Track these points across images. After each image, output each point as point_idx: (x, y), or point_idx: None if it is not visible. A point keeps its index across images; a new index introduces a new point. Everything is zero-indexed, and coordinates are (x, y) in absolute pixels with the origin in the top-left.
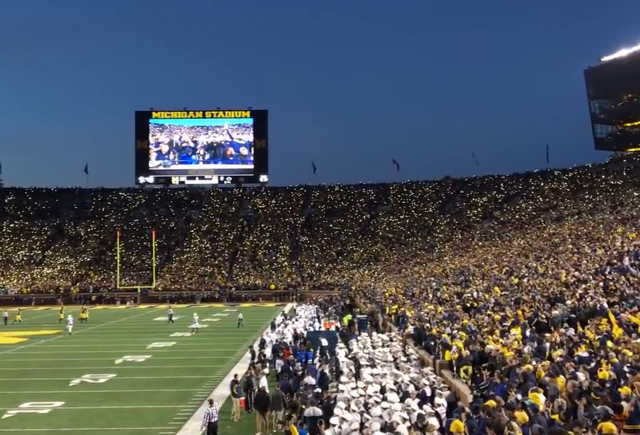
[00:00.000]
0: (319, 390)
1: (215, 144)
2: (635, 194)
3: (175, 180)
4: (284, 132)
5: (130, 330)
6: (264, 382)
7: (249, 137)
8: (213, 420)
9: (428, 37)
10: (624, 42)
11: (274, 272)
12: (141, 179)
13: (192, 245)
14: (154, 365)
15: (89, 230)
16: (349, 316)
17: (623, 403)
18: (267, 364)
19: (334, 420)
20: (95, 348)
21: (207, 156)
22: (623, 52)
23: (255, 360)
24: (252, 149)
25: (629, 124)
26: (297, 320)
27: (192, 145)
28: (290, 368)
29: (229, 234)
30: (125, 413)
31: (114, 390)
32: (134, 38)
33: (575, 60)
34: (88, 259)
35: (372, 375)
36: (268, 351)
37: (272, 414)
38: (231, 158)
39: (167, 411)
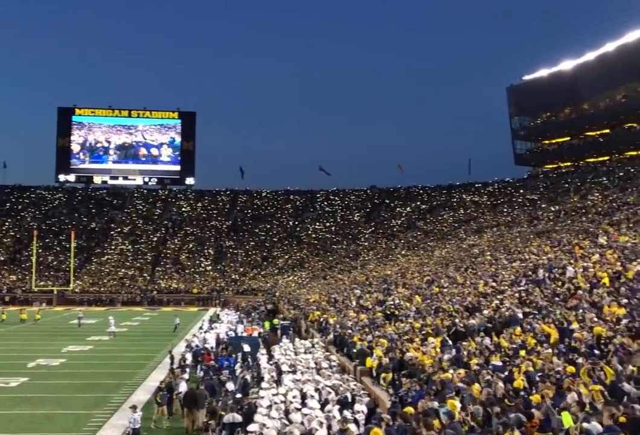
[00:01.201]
0: (239, 396)
1: (131, 144)
2: (551, 208)
3: (97, 179)
4: (213, 135)
5: (44, 333)
6: (183, 387)
7: (176, 138)
8: (137, 426)
9: (358, 47)
10: (545, 63)
11: (197, 276)
12: (61, 177)
13: (113, 247)
14: (68, 369)
15: (4, 228)
16: (275, 321)
17: (534, 411)
18: (187, 369)
19: (252, 427)
20: (7, 350)
21: (119, 156)
22: (543, 72)
23: (175, 365)
24: (179, 150)
25: (547, 141)
26: (219, 325)
27: (106, 144)
28: (211, 373)
29: (152, 237)
30: (37, 418)
31: (25, 394)
32: (57, 35)
33: (500, 77)
34: (2, 258)
35: (293, 381)
36: (189, 356)
37: (198, 413)
38: (144, 158)
39: (81, 417)
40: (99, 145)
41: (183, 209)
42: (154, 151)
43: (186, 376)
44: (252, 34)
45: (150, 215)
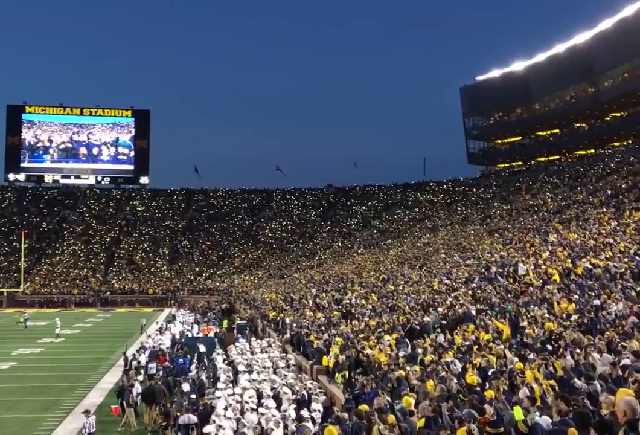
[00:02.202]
0: (194, 396)
1: (81, 142)
2: (503, 207)
3: (48, 178)
4: (168, 134)
5: None
6: (138, 389)
7: (125, 137)
8: (92, 431)
9: (315, 46)
10: (497, 63)
11: (152, 276)
12: (11, 177)
13: (65, 247)
14: (19, 372)
15: None
16: (234, 319)
17: (486, 406)
18: (142, 371)
19: (208, 428)
20: None
21: (67, 155)
22: (495, 73)
23: (128, 367)
24: (133, 149)
25: (499, 141)
26: (175, 326)
27: (47, 144)
28: (166, 374)
29: (106, 237)
30: None
31: None
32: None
33: (454, 77)
34: None
35: (249, 381)
36: (143, 358)
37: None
38: (83, 158)
39: (31, 421)
40: (39, 144)
41: (137, 209)
42: (105, 150)
43: (140, 378)
44: (206, 33)
45: (104, 215)
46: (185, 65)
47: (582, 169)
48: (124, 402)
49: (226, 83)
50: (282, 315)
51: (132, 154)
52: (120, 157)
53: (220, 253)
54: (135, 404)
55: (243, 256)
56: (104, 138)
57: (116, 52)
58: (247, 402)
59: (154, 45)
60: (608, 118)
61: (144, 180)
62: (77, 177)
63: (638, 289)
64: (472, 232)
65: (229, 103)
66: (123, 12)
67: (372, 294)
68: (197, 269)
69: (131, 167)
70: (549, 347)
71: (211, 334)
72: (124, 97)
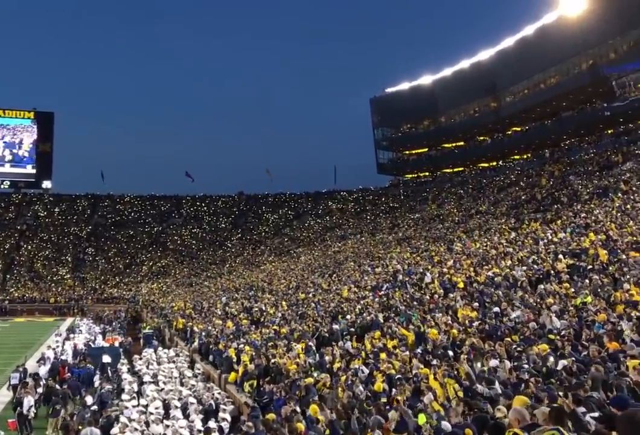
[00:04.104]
0: (96, 408)
1: None
2: (411, 216)
3: None
4: (73, 137)
5: None
6: (30, 401)
7: (31, 140)
8: None
9: (226, 53)
10: (407, 76)
11: (54, 284)
12: None
13: None
14: None
15: None
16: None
17: (391, 412)
18: (42, 383)
19: None
20: None
21: None
22: (405, 85)
23: (27, 379)
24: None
25: (407, 152)
26: (77, 335)
27: None
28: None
29: (4, 243)
30: None
31: None
32: None
33: (366, 88)
34: None
35: (156, 392)
36: (43, 370)
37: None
38: None
39: None
40: None
41: (39, 214)
42: (6, 153)
43: (40, 390)
44: (110, 36)
45: (2, 220)
46: (91, 67)
47: (484, 181)
48: (50, 412)
49: (134, 86)
50: (190, 324)
51: (34, 157)
52: (21, 160)
53: (127, 260)
54: (27, 421)
55: (151, 264)
56: (3, 140)
57: (16, 52)
58: (152, 414)
59: (57, 45)
60: (509, 132)
61: (46, 184)
62: None
63: (535, 296)
64: (381, 240)
65: (137, 106)
66: (24, 10)
67: (283, 302)
68: (102, 277)
69: (33, 171)
70: (450, 353)
71: (116, 344)
72: (26, 99)
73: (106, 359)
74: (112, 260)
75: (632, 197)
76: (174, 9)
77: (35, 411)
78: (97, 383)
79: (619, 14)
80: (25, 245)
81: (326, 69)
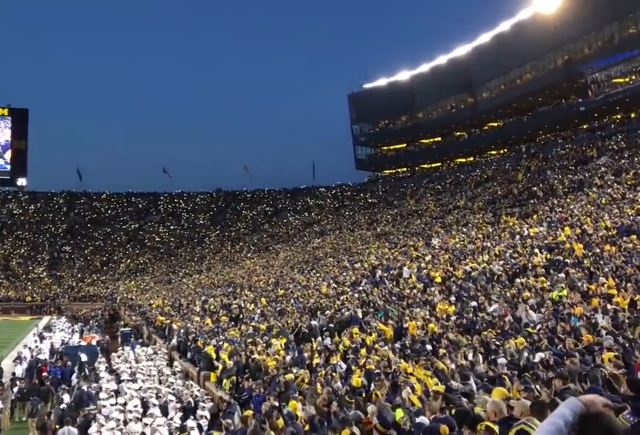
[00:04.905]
0: (73, 407)
1: None
2: (389, 211)
3: None
4: (48, 134)
5: None
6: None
7: (5, 137)
8: None
9: (203, 48)
10: (384, 72)
11: (30, 282)
12: None
13: None
14: None
15: None
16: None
17: (370, 407)
18: (17, 383)
19: None
20: None
21: None
22: (382, 81)
23: (3, 379)
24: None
25: (385, 148)
26: (54, 334)
27: None
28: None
29: None
30: None
31: None
32: None
33: (343, 84)
34: None
35: (134, 390)
36: (19, 369)
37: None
38: None
39: None
40: None
41: (14, 212)
42: None
43: (16, 390)
44: (90, 29)
45: None
46: (66, 62)
47: (462, 176)
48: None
49: (111, 82)
50: (168, 321)
51: (9, 154)
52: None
53: (104, 258)
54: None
55: (129, 261)
56: None
57: None
58: (131, 412)
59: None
60: (486, 127)
61: (21, 181)
62: None
63: (512, 290)
64: (360, 236)
65: (114, 103)
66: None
67: (262, 298)
68: (79, 275)
69: (7, 167)
70: (429, 347)
71: (93, 342)
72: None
73: (83, 357)
74: (89, 258)
75: (607, 191)
76: (147, 6)
77: (8, 412)
78: (74, 382)
79: (594, 10)
80: (0, 244)
81: (303, 65)
